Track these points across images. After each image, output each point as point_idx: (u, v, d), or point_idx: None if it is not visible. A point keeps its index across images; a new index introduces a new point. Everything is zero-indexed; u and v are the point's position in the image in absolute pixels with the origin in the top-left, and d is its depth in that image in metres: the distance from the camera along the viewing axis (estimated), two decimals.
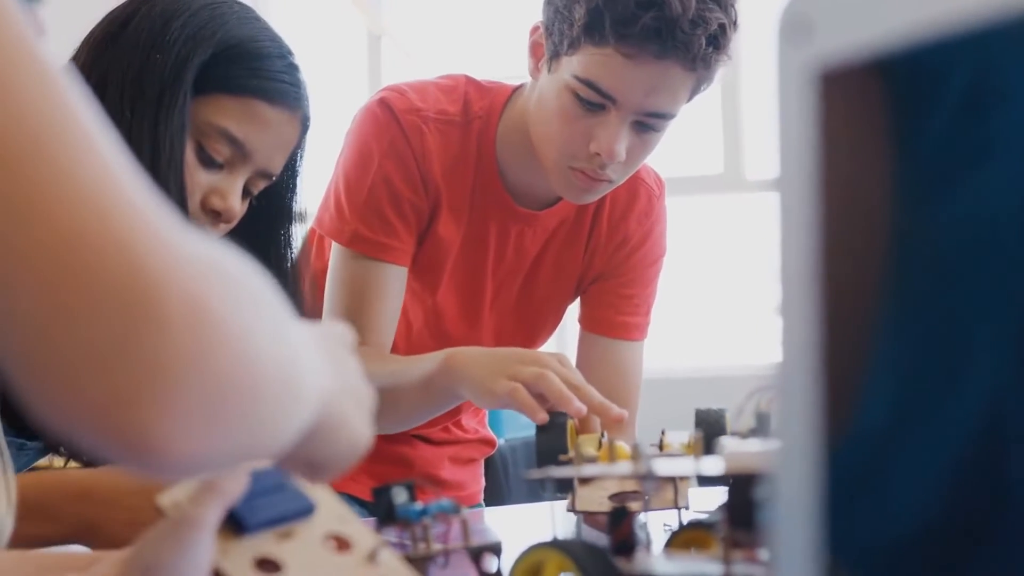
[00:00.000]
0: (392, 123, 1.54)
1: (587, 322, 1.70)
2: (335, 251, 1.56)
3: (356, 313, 1.50)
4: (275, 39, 1.19)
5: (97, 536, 0.98)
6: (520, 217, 1.61)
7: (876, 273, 0.40)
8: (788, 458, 0.42)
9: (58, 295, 0.45)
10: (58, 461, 1.17)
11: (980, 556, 0.37)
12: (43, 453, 1.17)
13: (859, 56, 0.41)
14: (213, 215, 1.16)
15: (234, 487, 0.68)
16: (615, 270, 1.68)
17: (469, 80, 1.62)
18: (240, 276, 0.51)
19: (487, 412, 1.89)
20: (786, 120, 0.43)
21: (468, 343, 1.53)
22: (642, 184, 1.67)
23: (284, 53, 1.19)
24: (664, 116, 1.44)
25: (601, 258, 1.67)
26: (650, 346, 1.72)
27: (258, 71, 1.15)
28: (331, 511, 0.72)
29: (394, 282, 1.54)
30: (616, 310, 1.68)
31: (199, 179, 1.15)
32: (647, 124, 1.44)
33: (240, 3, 1.20)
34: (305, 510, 0.71)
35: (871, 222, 0.40)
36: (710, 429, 1.06)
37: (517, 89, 1.60)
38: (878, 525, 0.39)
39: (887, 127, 0.40)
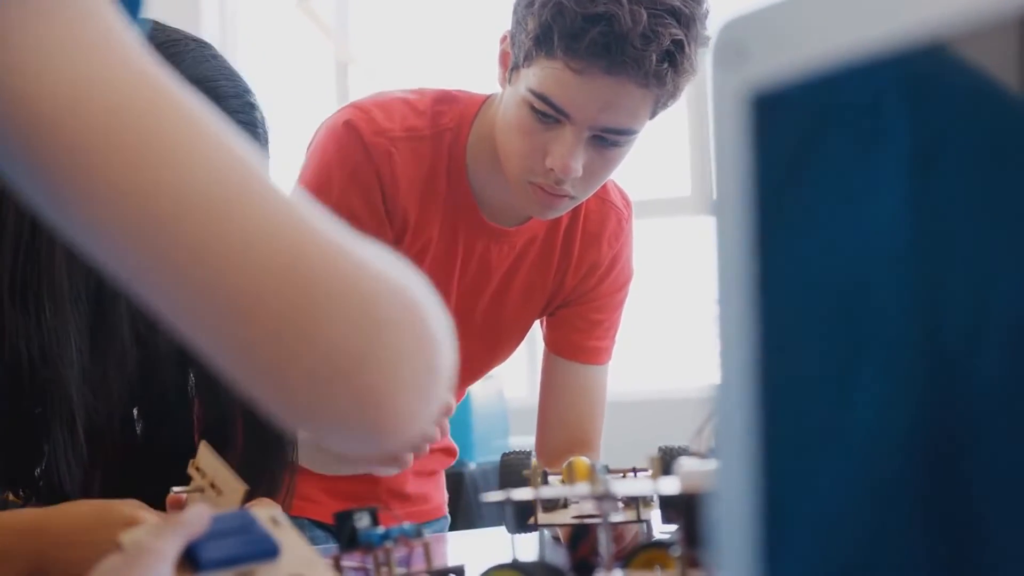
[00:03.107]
0: (357, 149, 1.49)
1: (555, 345, 1.69)
2: None
3: None
4: (232, 77, 1.18)
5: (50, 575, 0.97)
6: (488, 232, 1.57)
7: (809, 293, 0.41)
8: (727, 477, 0.43)
9: (296, 322, 0.55)
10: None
11: (916, 562, 0.38)
12: None
13: (792, 80, 0.42)
14: None
15: (195, 523, 0.68)
16: (585, 295, 1.67)
17: (438, 91, 1.57)
18: (408, 283, 0.63)
19: (448, 424, 1.88)
20: (721, 144, 0.44)
21: None
22: (612, 207, 1.65)
23: (240, 92, 1.17)
24: (624, 132, 1.40)
25: (571, 281, 1.66)
26: (616, 369, 1.72)
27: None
28: (298, 555, 0.72)
29: None
30: (586, 335, 1.67)
31: None
32: (606, 140, 1.40)
33: (197, 41, 1.19)
34: (268, 552, 0.71)
35: (801, 243, 0.41)
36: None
37: (488, 98, 1.56)
38: (815, 541, 0.40)
39: (821, 151, 0.41)
